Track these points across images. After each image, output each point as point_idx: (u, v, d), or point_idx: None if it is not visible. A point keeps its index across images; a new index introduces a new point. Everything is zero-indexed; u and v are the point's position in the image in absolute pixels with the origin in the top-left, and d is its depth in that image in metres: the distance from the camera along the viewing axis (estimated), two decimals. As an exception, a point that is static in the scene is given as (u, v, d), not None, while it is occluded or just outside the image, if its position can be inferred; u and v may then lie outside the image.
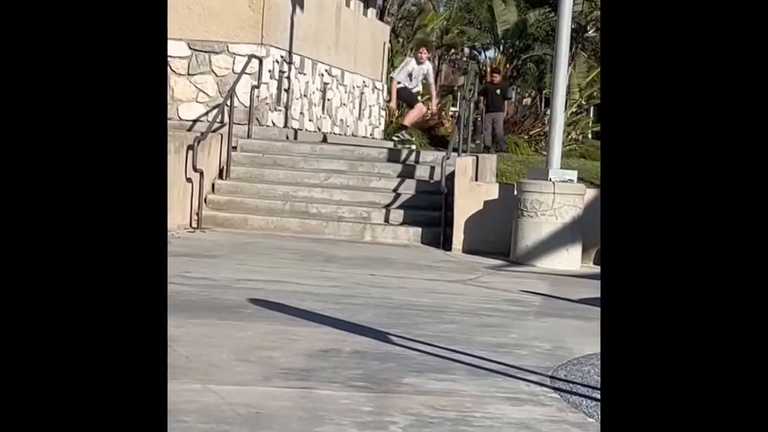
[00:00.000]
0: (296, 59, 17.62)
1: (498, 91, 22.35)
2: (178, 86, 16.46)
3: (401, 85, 17.32)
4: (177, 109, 16.46)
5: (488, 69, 30.65)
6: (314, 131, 18.60)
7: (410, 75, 17.29)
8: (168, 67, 16.22)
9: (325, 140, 17.63)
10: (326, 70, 19.16)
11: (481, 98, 21.94)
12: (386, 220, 14.20)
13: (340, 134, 19.96)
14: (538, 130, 25.51)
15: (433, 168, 14.97)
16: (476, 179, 14.65)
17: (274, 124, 17.00)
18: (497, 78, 23.24)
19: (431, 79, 18.09)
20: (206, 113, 16.26)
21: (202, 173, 14.18)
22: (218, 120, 15.12)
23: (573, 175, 12.97)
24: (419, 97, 17.90)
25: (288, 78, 17.40)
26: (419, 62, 17.38)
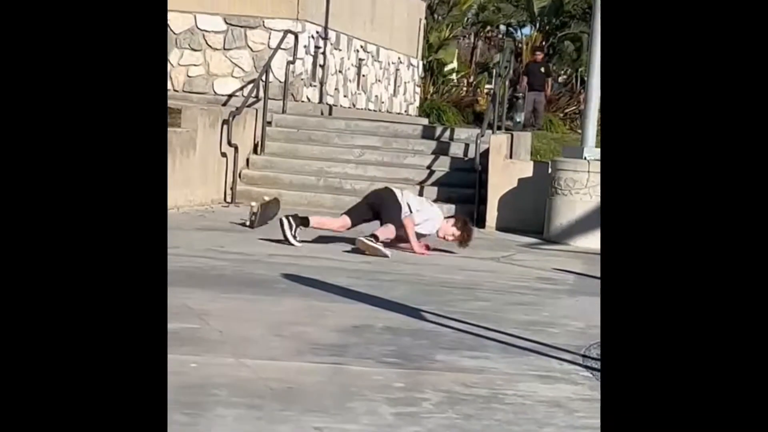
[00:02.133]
0: (332, 35, 17.61)
1: (542, 70, 22.20)
2: (213, 61, 16.48)
3: None
4: (212, 84, 16.48)
5: (525, 47, 30.52)
6: (349, 107, 18.59)
7: None
8: (204, 41, 16.26)
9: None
10: (361, 46, 19.13)
11: (524, 77, 21.81)
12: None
13: (374, 110, 19.94)
14: (574, 108, 25.39)
15: (467, 145, 14.94)
16: (510, 157, 14.61)
17: (309, 99, 17.00)
18: (540, 56, 23.07)
19: None
20: (241, 88, 16.27)
21: (236, 148, 14.22)
22: (253, 95, 15.13)
23: (608, 153, 12.90)
24: None
25: (323, 54, 17.38)
26: None
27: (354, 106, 18.94)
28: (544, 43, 33.16)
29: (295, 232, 10.18)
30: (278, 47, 15.82)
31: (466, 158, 14.76)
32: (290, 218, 10.26)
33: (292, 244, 10.02)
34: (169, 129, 11.68)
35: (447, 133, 15.67)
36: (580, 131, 16.09)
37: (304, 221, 10.33)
